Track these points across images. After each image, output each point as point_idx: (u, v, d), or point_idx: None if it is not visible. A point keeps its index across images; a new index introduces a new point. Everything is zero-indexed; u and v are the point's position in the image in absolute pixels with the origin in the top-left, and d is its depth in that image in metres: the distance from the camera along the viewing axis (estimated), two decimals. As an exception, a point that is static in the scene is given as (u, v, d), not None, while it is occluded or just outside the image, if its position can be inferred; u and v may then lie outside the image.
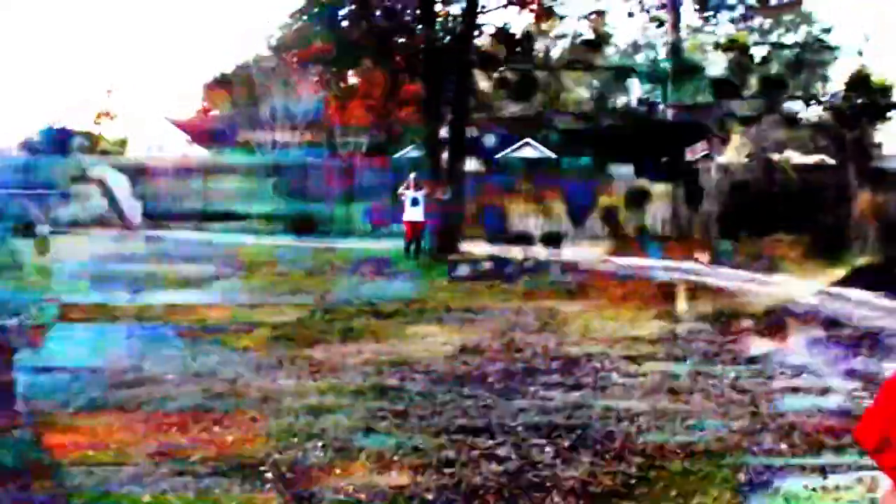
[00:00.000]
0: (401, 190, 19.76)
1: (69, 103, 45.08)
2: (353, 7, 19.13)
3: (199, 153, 38.30)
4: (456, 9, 19.69)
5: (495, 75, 22.59)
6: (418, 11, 19.17)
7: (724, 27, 49.55)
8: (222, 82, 46.99)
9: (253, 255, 18.51)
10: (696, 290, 14.08)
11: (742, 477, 5.23)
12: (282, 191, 27.99)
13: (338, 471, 5.10)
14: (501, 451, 5.56)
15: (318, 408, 6.42)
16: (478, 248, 20.51)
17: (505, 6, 20.20)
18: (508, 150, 43.42)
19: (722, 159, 31.80)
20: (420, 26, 19.15)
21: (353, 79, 20.81)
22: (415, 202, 18.98)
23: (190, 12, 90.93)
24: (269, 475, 4.99)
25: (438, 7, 19.41)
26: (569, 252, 20.77)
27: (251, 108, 36.15)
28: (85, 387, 6.90)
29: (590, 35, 48.55)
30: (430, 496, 4.76)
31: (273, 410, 6.34)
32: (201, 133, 42.92)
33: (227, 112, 42.37)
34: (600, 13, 49.09)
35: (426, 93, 19.39)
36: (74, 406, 6.36)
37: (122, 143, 42.58)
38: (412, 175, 19.80)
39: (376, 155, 30.60)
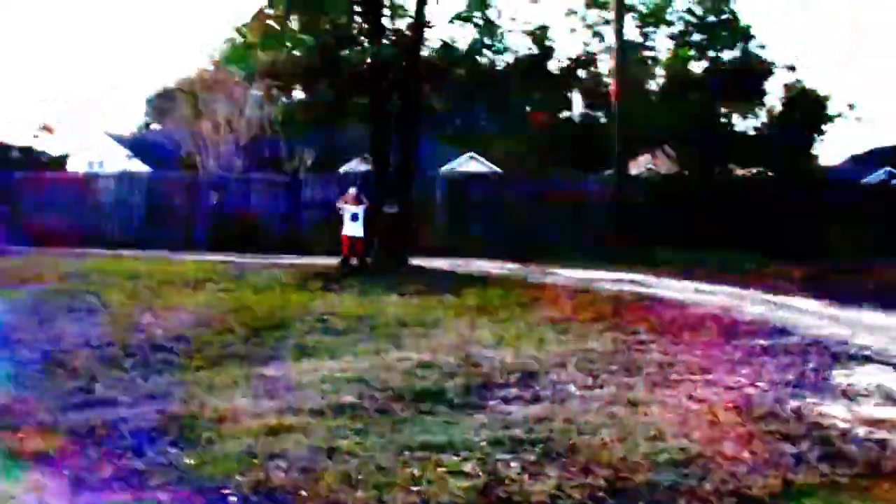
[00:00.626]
0: (339, 204, 19.73)
1: (7, 116, 44.33)
2: (300, 20, 18.97)
3: (141, 168, 37.69)
4: (402, 23, 19.67)
5: (440, 90, 22.56)
6: (365, 25, 19.10)
7: (662, 42, 50.10)
8: (165, 96, 46.42)
9: (195, 272, 18.21)
10: (644, 301, 14.18)
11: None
12: (225, 207, 27.70)
13: (303, 492, 4.99)
14: (467, 468, 5.49)
15: (277, 428, 6.29)
16: (428, 262, 20.47)
17: (450, 21, 20.21)
18: (453, 163, 43.52)
19: (664, 171, 32.26)
20: (367, 40, 19.07)
21: (298, 93, 20.61)
22: (354, 217, 18.95)
23: (134, 25, 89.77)
24: (232, 499, 4.87)
25: (386, 21, 19.36)
26: (517, 265, 20.84)
27: (195, 123, 35.71)
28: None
29: (534, 49, 48.86)
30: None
31: (229, 433, 6.19)
32: (143, 148, 42.30)
33: (170, 127, 41.84)
34: (543, 28, 49.48)
35: (373, 107, 19.33)
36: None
37: (63, 158, 41.84)
38: (351, 189, 19.76)
39: (322, 170, 30.45)
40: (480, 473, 5.38)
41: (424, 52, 19.98)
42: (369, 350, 9.58)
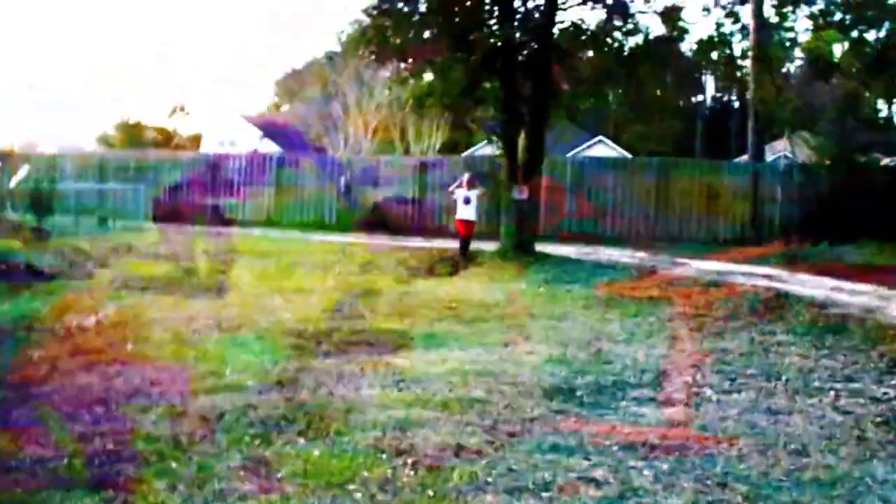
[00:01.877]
0: (452, 188, 19.71)
1: (144, 98, 46.20)
2: (430, 2, 18.88)
3: (271, 149, 38.52)
4: (532, 5, 19.36)
5: (570, 73, 22.11)
6: (496, 8, 18.86)
7: (802, 23, 48.24)
8: (295, 78, 47.36)
9: (323, 253, 18.44)
10: (780, 299, 13.59)
11: None
12: (356, 189, 27.98)
13: (430, 492, 4.87)
14: (597, 474, 5.27)
15: (405, 421, 6.19)
16: (556, 249, 20.22)
17: (582, 3, 19.77)
18: (582, 147, 43.01)
19: (802, 159, 30.94)
20: (497, 23, 18.83)
21: (429, 76, 20.54)
22: (467, 200, 18.86)
23: (262, 7, 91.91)
24: (357, 495, 4.78)
25: (517, 3, 19.08)
26: (646, 255, 20.36)
27: (323, 105, 36.28)
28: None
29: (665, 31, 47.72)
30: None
31: (359, 424, 6.13)
32: (273, 129, 43.28)
33: (300, 109, 42.66)
34: (676, 8, 48.20)
35: (503, 90, 19.09)
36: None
37: (196, 138, 43.15)
38: (466, 174, 19.66)
39: (451, 152, 30.48)
40: (612, 481, 5.15)
41: (555, 35, 19.64)
42: (498, 342, 9.41)
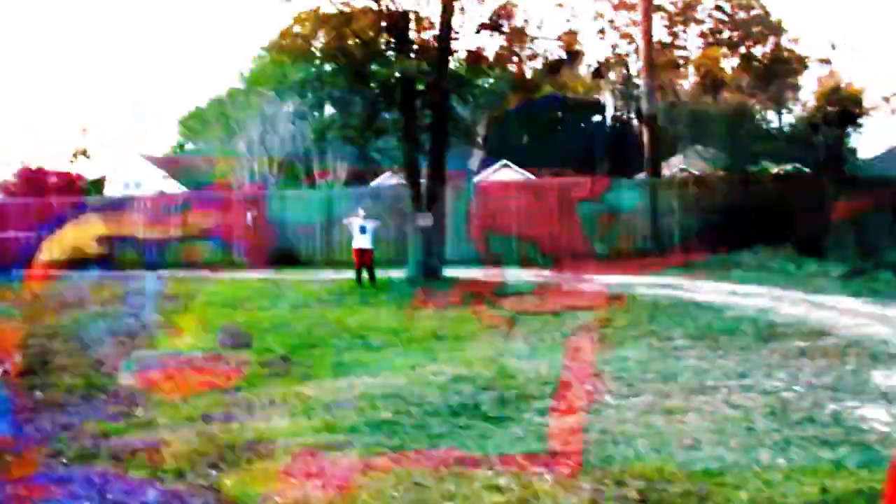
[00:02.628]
0: (346, 220, 19.96)
1: (43, 144, 45.19)
2: (327, 38, 19.17)
3: (176, 188, 38.18)
4: (429, 35, 19.77)
5: (470, 98, 22.64)
6: (392, 40, 19.23)
7: (693, 41, 49.81)
8: (198, 117, 47.04)
9: (232, 290, 18.45)
10: (679, 307, 14.16)
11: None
12: (264, 225, 27.96)
13: (339, 511, 5.08)
14: (502, 482, 5.53)
15: (314, 447, 6.38)
16: (462, 272, 20.56)
17: (477, 31, 20.31)
18: (487, 171, 43.59)
19: (697, 172, 32.02)
20: (394, 54, 19.20)
21: (329, 109, 20.81)
22: (363, 230, 19.13)
23: (161, 47, 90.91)
24: (270, 519, 4.96)
25: (413, 35, 19.48)
26: (552, 273, 20.86)
27: (227, 142, 36.16)
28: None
29: (562, 54, 48.73)
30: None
31: (267, 453, 6.29)
32: (177, 168, 42.89)
33: (203, 147, 42.40)
34: (572, 32, 49.29)
35: (403, 120, 19.45)
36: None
37: (99, 182, 42.47)
38: (360, 210, 19.89)
39: (357, 183, 30.70)
40: (515, 487, 5.41)
41: (453, 64, 20.11)
42: (405, 365, 9.65)
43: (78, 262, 26.23)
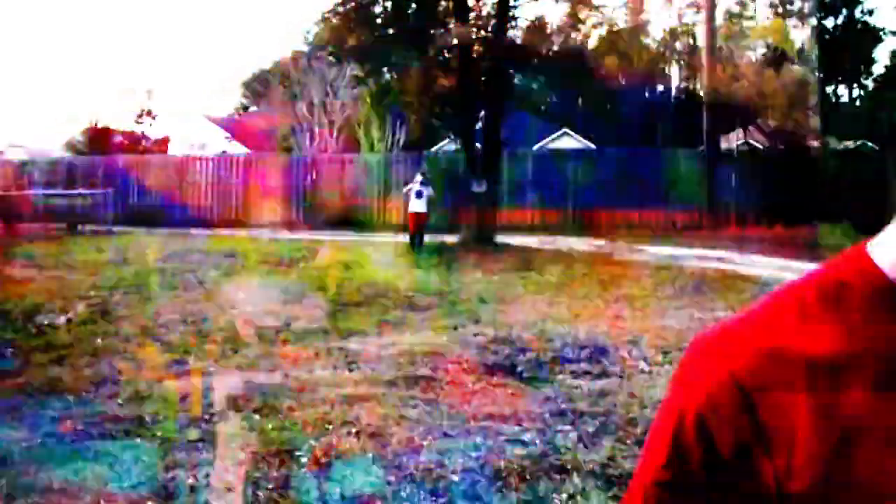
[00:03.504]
0: (407, 188, 20.19)
1: (110, 103, 46.18)
2: (387, 3, 19.43)
3: (239, 151, 38.83)
4: (489, 3, 19.93)
5: (530, 68, 22.73)
6: (451, 6, 19.41)
7: (763, 11, 48.85)
8: (261, 79, 47.65)
9: (290, 251, 18.92)
10: (727, 279, 14.25)
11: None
12: (322, 187, 28.45)
13: (370, 454, 5.40)
14: (526, 437, 5.81)
15: (352, 397, 6.72)
16: (516, 239, 20.80)
17: (538, -2, 20.38)
18: (546, 140, 43.58)
19: (758, 146, 31.65)
20: (452, 20, 19.38)
21: (387, 74, 21.10)
22: (419, 195, 19.39)
23: (227, 9, 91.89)
24: (304, 460, 5.29)
25: (471, 2, 19.64)
26: (605, 242, 20.98)
27: (289, 105, 36.66)
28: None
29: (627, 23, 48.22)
30: (455, 477, 5.04)
31: (309, 402, 6.64)
32: (240, 130, 43.59)
33: (266, 109, 42.99)
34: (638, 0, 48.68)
35: (460, 88, 19.66)
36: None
37: (163, 141, 43.35)
38: (418, 175, 20.13)
39: (414, 149, 30.97)
40: (538, 442, 5.68)
41: (514, 31, 20.26)
42: (448, 326, 9.95)
43: (143, 218, 27.07)
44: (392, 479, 5.03)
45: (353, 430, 5.87)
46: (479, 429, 5.95)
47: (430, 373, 7.61)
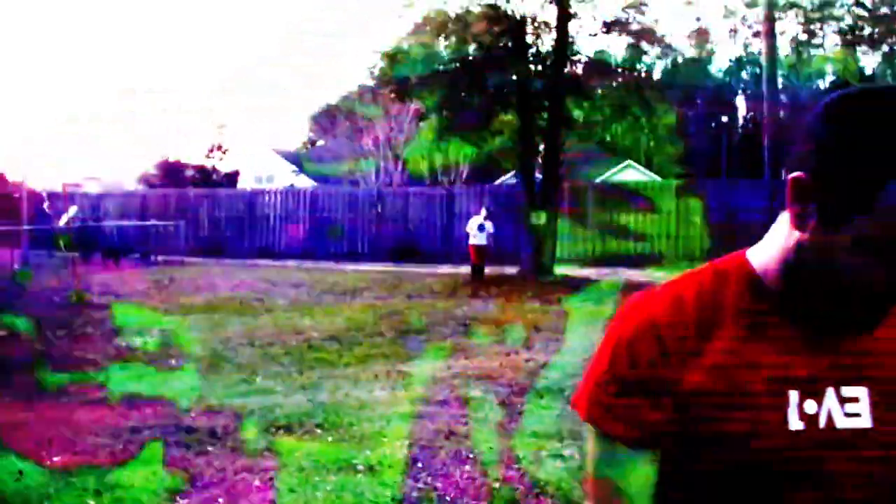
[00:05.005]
0: (469, 222, 20.68)
1: (182, 138, 47.87)
2: (447, 42, 20.10)
3: (306, 184, 39.81)
4: (548, 40, 20.45)
5: (591, 102, 23.15)
6: (509, 44, 19.98)
7: (830, 39, 48.44)
8: (328, 113, 48.82)
9: (355, 281, 19.55)
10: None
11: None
12: (385, 220, 29.14)
13: (419, 465, 5.88)
14: (566, 452, 6.23)
15: (406, 414, 7.22)
16: (575, 271, 21.18)
17: (606, 31, 20.83)
18: (609, 172, 43.85)
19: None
20: (510, 58, 19.94)
21: (449, 110, 21.75)
22: (481, 228, 19.91)
23: (296, 44, 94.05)
24: (360, 467, 5.79)
25: (530, 39, 20.19)
26: (662, 274, 21.20)
27: (355, 139, 37.59)
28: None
29: (692, 54, 48.30)
30: (497, 485, 5.49)
31: (366, 418, 7.15)
32: (307, 163, 44.69)
33: (332, 143, 44.03)
34: (703, 31, 48.83)
35: (519, 123, 20.20)
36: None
37: (233, 175, 44.67)
38: (483, 210, 20.72)
39: (476, 183, 31.59)
40: (577, 456, 6.10)
41: (576, 65, 20.75)
42: (501, 352, 10.40)
43: (212, 249, 28.07)
44: (439, 485, 5.49)
45: (406, 443, 6.36)
46: (523, 444, 6.39)
47: (481, 394, 8.06)
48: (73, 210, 26.37)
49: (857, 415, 1.24)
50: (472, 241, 20.17)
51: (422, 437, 6.55)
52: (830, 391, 1.24)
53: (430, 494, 5.35)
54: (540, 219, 20.54)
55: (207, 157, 42.16)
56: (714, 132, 64.32)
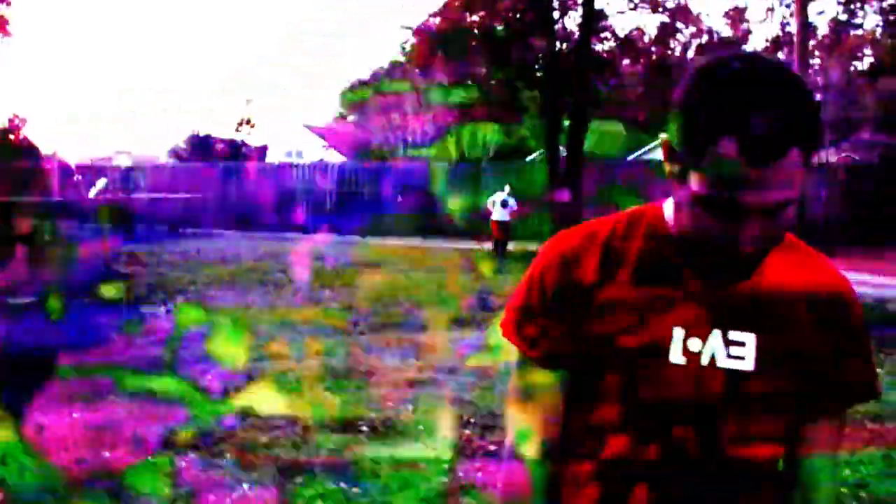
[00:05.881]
0: (491, 198, 20.79)
1: (212, 112, 48.28)
2: (474, 18, 20.15)
3: (336, 158, 40.04)
4: (575, 16, 20.46)
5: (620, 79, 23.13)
6: (535, 21, 20.01)
7: (872, 19, 47.67)
8: (358, 88, 48.98)
9: (379, 254, 19.76)
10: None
11: None
12: (412, 194, 29.27)
13: (420, 427, 6.07)
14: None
15: (413, 380, 7.42)
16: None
17: (633, 8, 20.79)
18: (641, 151, 43.63)
19: (856, 158, 31.20)
20: (537, 34, 19.98)
21: (476, 86, 21.83)
22: (504, 203, 20.01)
23: (326, 20, 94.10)
24: (364, 429, 5.99)
25: (556, 15, 20.20)
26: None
27: (383, 114, 37.74)
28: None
29: (727, 33, 47.89)
30: (492, 448, 5.67)
31: (375, 383, 7.36)
32: (337, 138, 44.93)
33: (362, 118, 44.23)
34: (738, 10, 48.30)
35: (543, 100, 20.25)
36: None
37: (262, 149, 45.00)
38: (506, 187, 20.84)
39: (503, 160, 31.63)
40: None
41: (603, 44, 20.75)
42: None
43: (240, 222, 28.38)
44: (438, 446, 5.68)
45: (411, 408, 6.56)
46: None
47: (491, 363, 8.22)
48: (102, 182, 26.78)
49: (741, 358, 1.37)
50: (494, 216, 20.29)
51: (427, 402, 6.74)
52: (717, 333, 1.38)
53: (430, 455, 5.53)
54: (563, 195, 20.61)
55: (237, 130, 42.52)
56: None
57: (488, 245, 20.90)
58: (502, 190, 20.57)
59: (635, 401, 1.39)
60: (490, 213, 20.44)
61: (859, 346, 1.46)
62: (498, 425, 6.19)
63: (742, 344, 1.37)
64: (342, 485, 4.92)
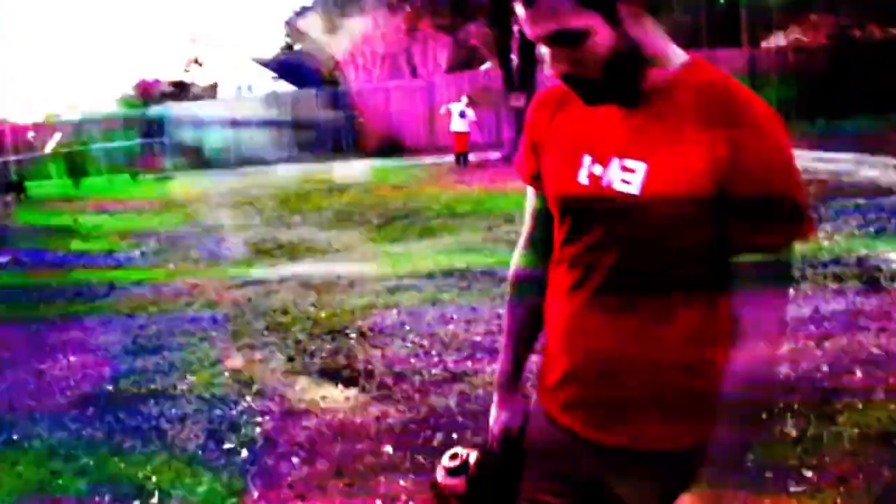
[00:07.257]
0: (443, 108, 20.97)
1: (157, 55, 47.47)
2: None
3: (287, 89, 39.63)
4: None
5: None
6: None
7: None
8: (304, 16, 48.18)
9: (341, 178, 19.86)
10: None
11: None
12: (366, 115, 29.19)
13: (407, 327, 6.34)
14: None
15: (394, 287, 7.69)
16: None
17: None
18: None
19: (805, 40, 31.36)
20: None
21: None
22: (462, 114, 20.18)
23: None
24: (352, 335, 6.25)
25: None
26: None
27: (332, 39, 37.32)
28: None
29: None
30: (478, 339, 5.95)
31: (357, 293, 7.62)
32: (286, 69, 44.38)
33: (310, 46, 43.63)
34: None
35: (492, 4, 20.15)
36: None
37: (213, 87, 44.41)
38: (463, 97, 20.98)
39: (456, 72, 31.48)
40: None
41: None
42: (484, 227, 10.82)
43: (199, 162, 28.23)
44: (426, 343, 5.95)
45: (394, 312, 6.82)
46: (502, 304, 6.82)
47: (465, 265, 8.50)
48: (57, 136, 26.47)
49: (629, 183, 1.58)
50: (453, 128, 20.44)
51: (410, 304, 7.01)
52: (616, 160, 1.61)
53: (417, 350, 5.80)
54: (519, 100, 20.69)
55: (185, 71, 41.87)
56: (693, 3, 63.44)
57: (450, 157, 21.08)
58: (457, 101, 20.67)
59: (562, 214, 1.72)
60: (448, 123, 20.57)
61: (768, 154, 1.50)
62: (477, 318, 6.50)
63: (633, 171, 1.57)
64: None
